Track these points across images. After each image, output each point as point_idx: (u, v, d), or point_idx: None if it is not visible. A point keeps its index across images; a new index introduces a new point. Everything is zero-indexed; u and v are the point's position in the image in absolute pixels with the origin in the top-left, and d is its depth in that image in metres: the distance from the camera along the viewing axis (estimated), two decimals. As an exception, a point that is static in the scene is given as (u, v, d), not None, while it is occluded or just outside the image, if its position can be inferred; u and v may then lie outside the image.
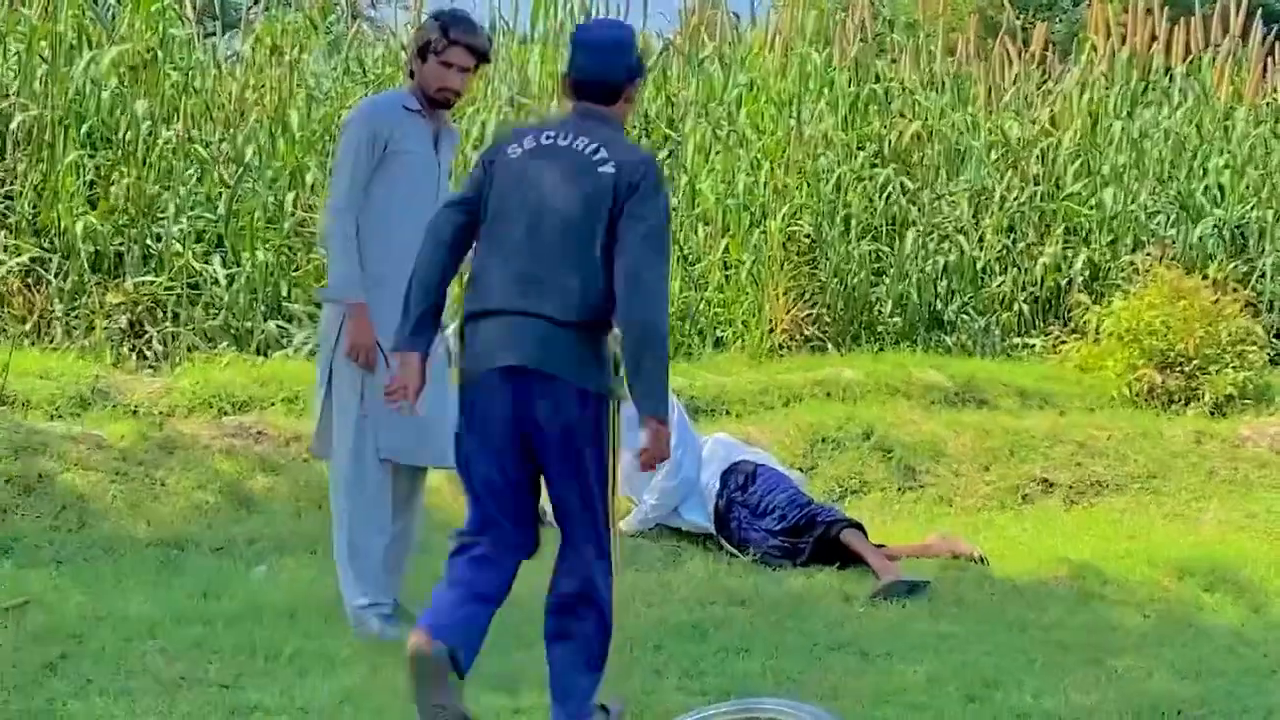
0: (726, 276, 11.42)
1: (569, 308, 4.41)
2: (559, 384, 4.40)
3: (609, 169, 4.45)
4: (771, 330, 11.04)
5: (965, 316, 11.99)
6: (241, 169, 10.36)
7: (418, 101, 5.65)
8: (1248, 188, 12.98)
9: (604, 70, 4.66)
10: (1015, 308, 12.08)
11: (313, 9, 11.75)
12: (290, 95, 10.93)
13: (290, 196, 10.45)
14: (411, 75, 5.69)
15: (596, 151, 4.50)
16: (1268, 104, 13.88)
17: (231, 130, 10.72)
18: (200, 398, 8.26)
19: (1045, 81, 14.17)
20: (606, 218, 4.42)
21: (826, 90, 12.73)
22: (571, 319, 4.42)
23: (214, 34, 12.35)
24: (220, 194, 10.34)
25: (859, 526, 7.11)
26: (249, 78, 11.18)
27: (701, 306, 11.16)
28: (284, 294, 10.02)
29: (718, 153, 12.02)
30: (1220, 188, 13.05)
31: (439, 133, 5.74)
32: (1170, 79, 14.04)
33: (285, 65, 11.00)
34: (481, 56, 5.71)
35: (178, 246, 9.84)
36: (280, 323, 9.69)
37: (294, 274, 10.10)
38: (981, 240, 12.33)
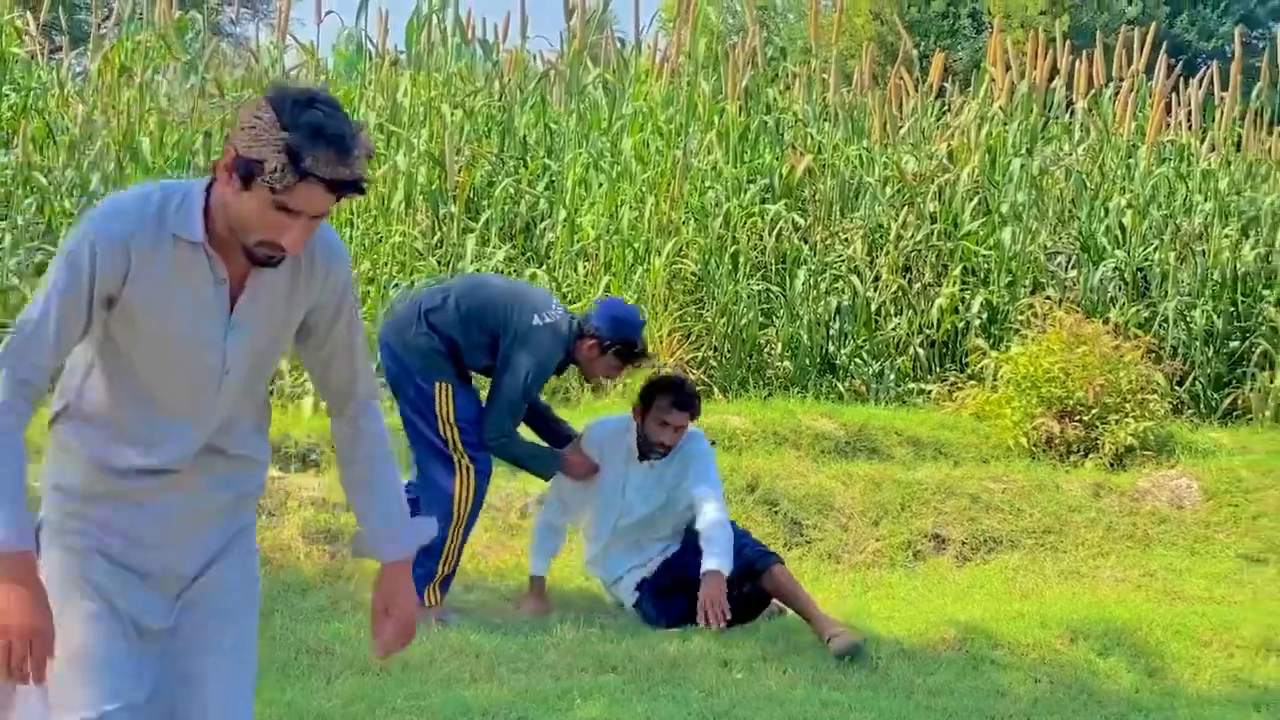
0: (608, 317, 11.42)
1: None
2: None
3: None
4: (654, 371, 11.06)
5: (858, 361, 12.09)
6: (87, 198, 10.24)
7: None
8: (1150, 229, 13.22)
9: None
10: (910, 352, 12.20)
11: (166, 27, 11.64)
12: (141, 119, 10.83)
13: (138, 227, 10.33)
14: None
15: None
16: (1171, 142, 14.16)
17: (76, 156, 10.60)
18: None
19: (944, 114, 14.37)
20: None
21: (715, 120, 12.81)
22: None
23: (59, 51, 12.21)
24: (63, 225, 10.21)
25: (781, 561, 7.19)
26: (97, 99, 11.06)
27: (581, 348, 11.16)
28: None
29: (600, 185, 12.06)
30: (1122, 228, 13.28)
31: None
32: (1072, 114, 14.29)
33: (136, 87, 10.89)
34: (351, 188, 3.23)
35: (14, 280, 9.70)
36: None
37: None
38: (876, 280, 12.44)
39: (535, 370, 6.83)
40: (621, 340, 6.92)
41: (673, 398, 7.02)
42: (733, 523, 7.13)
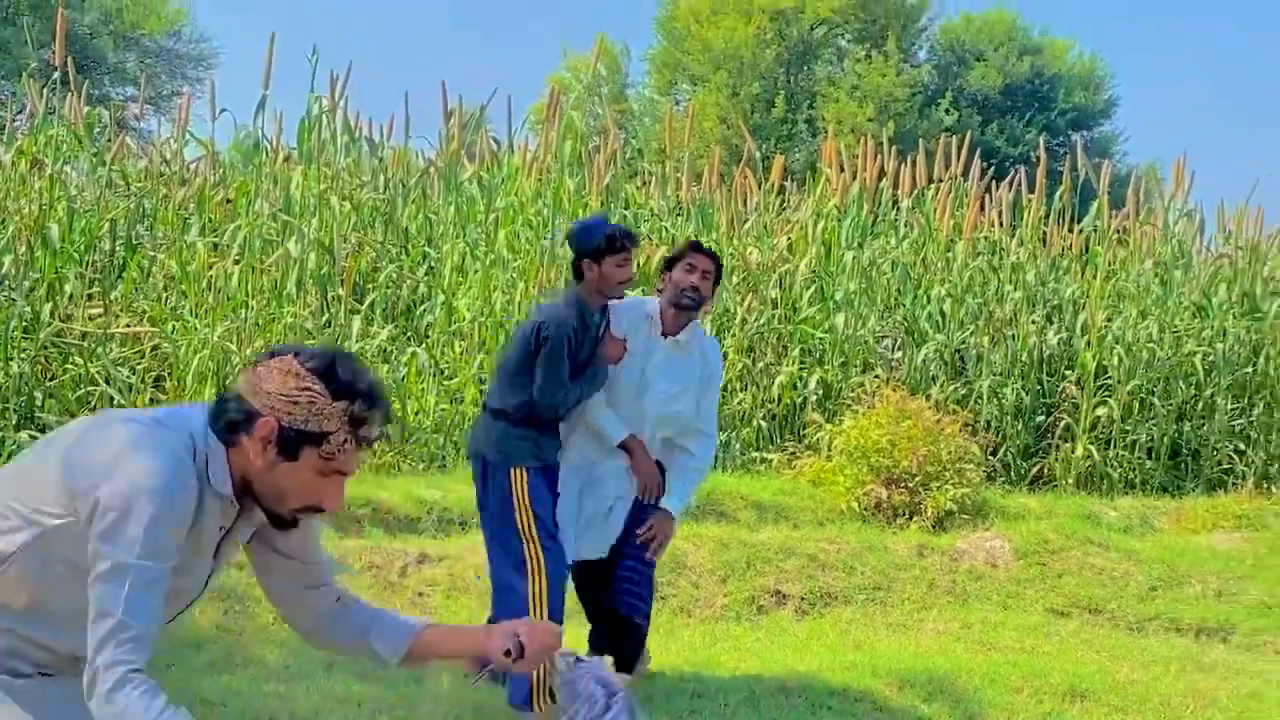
0: (481, 390, 11.40)
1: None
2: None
3: None
4: (523, 443, 11.03)
5: (707, 432, 12.13)
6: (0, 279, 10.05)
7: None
8: (966, 315, 13.47)
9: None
10: (754, 424, 12.29)
11: (76, 122, 11.49)
12: (51, 206, 10.66)
13: (48, 307, 10.16)
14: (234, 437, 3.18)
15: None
16: (984, 237, 14.47)
17: (-11, 241, 10.40)
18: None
19: (784, 210, 14.56)
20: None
21: (580, 214, 12.86)
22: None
23: (-26, 142, 11.99)
24: (-26, 305, 10.01)
25: None
26: (9, 188, 10.87)
27: (457, 420, 11.12)
28: (38, 404, 9.70)
29: (476, 271, 12.04)
30: (942, 314, 13.52)
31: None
32: (897, 211, 14.56)
33: (46, 177, 10.73)
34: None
35: (-72, 356, 9.48)
36: (34, 433, 9.37)
37: (49, 384, 9.80)
38: (724, 359, 12.52)
39: (558, 339, 6.09)
40: (601, 237, 6.16)
41: (692, 246, 6.52)
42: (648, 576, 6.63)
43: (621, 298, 6.34)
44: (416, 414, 11.00)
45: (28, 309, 10.12)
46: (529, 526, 6.17)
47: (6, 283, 10.07)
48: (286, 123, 12.60)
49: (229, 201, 12.22)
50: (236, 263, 11.12)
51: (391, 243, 12.48)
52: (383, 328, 11.52)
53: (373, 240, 12.37)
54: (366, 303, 11.71)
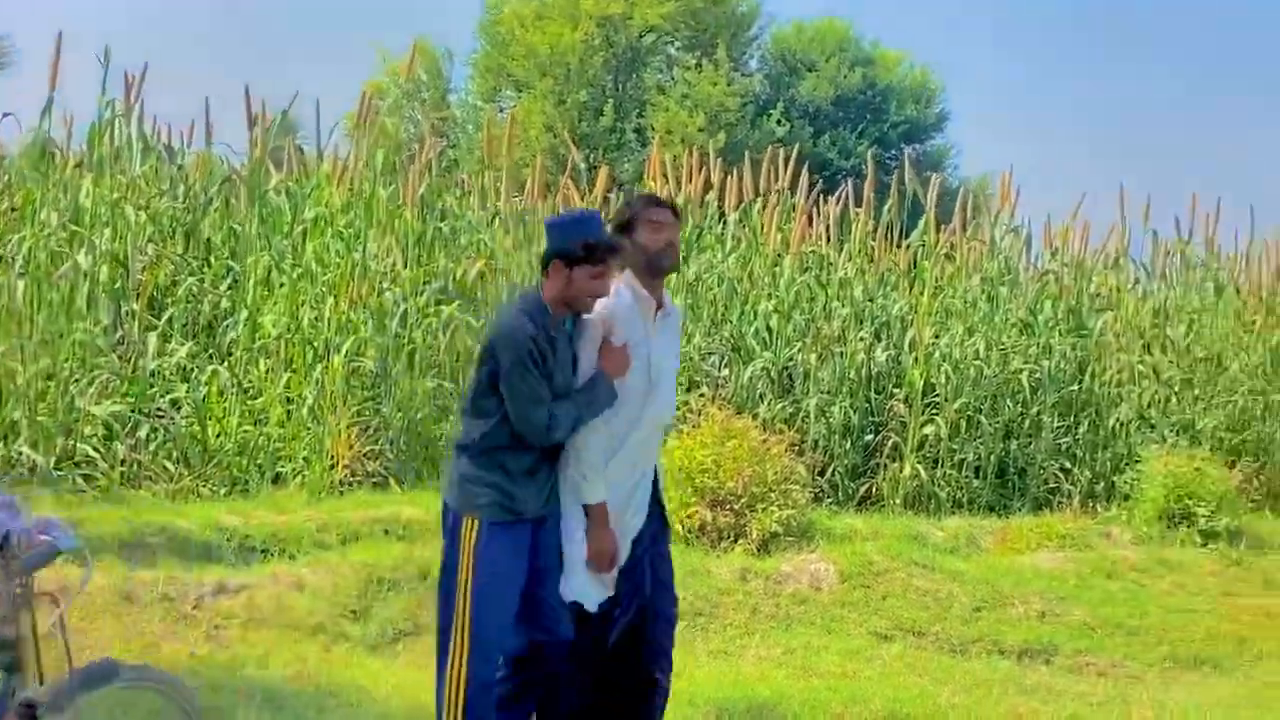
0: (288, 411, 11.22)
1: None
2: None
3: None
4: (333, 466, 10.90)
5: (528, 453, 12.07)
6: None
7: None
8: (794, 331, 13.59)
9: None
10: (575, 445, 12.24)
11: None
12: None
13: None
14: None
15: None
16: (812, 252, 14.62)
17: None
18: None
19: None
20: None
21: (394, 226, 12.74)
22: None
23: None
24: None
25: None
26: None
27: (261, 442, 10.92)
28: None
29: (282, 285, 11.85)
30: (769, 331, 13.62)
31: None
32: (724, 224, 14.64)
33: None
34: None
35: None
36: None
37: None
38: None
39: (514, 354, 5.31)
40: (577, 242, 5.42)
41: (642, 203, 5.75)
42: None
43: (589, 311, 5.49)
44: (218, 436, 10.79)
45: None
46: (465, 595, 5.33)
47: None
48: (77, 127, 12.27)
49: (14, 210, 11.85)
50: (21, 276, 10.80)
51: (192, 255, 12.24)
52: (182, 345, 11.29)
53: (171, 252, 12.11)
54: (164, 318, 11.47)
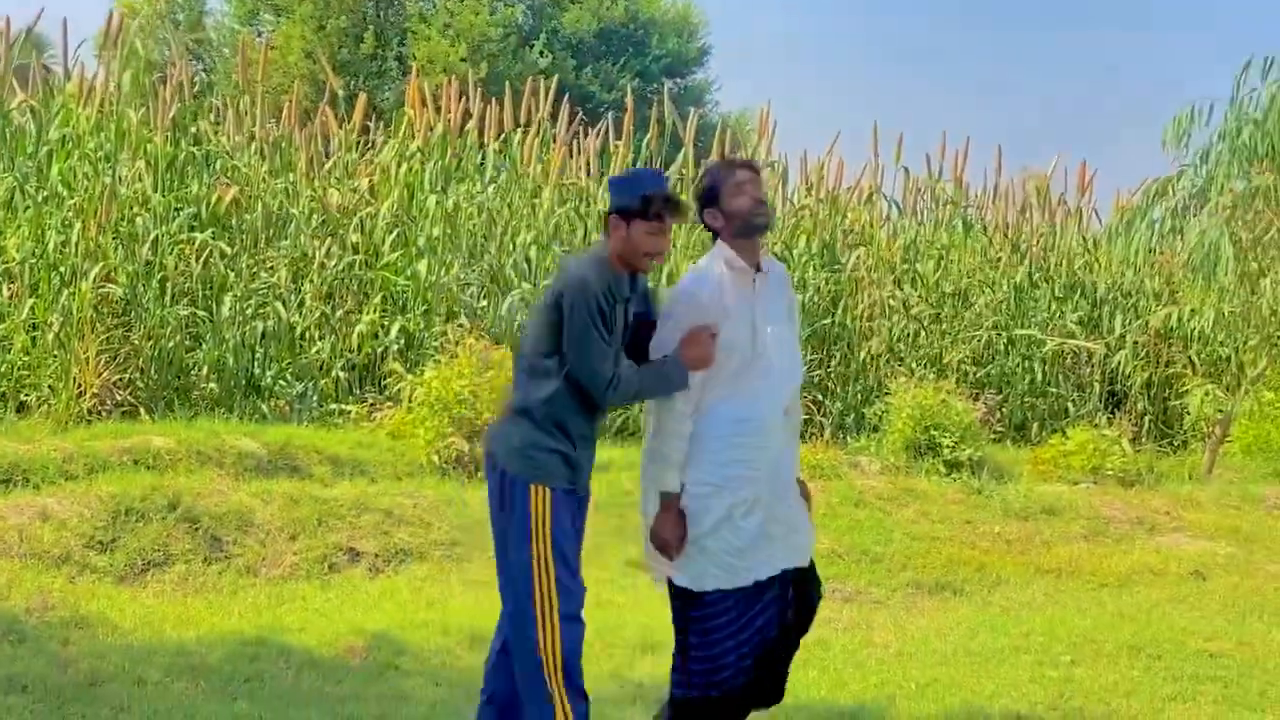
0: (33, 339, 10.92)
1: None
2: None
3: None
4: (80, 395, 10.64)
5: (283, 383, 11.98)
6: None
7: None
8: (553, 263, 13.65)
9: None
10: (333, 374, 12.18)
11: None
12: None
13: None
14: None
15: None
16: (572, 184, 14.67)
17: None
18: None
19: (367, 152, 14.42)
20: None
21: (145, 150, 12.43)
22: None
23: None
24: None
25: None
26: None
27: (4, 369, 10.61)
28: None
29: (26, 208, 11.49)
30: (528, 261, 13.65)
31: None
32: (484, 155, 14.60)
33: None
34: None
35: None
36: None
37: None
38: (301, 306, 12.38)
39: (583, 301, 5.13)
40: (637, 196, 5.26)
41: (719, 168, 5.44)
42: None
43: (646, 271, 5.33)
44: (-43, 363, 10.45)
45: None
46: (544, 557, 5.17)
47: None
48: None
49: None
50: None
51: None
52: (-87, 271, 10.88)
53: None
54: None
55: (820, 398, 14.11)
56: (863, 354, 14.51)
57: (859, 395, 14.25)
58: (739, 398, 5.22)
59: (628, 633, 7.55)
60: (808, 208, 15.54)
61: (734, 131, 18.08)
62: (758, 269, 5.30)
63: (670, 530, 5.20)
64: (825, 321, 14.53)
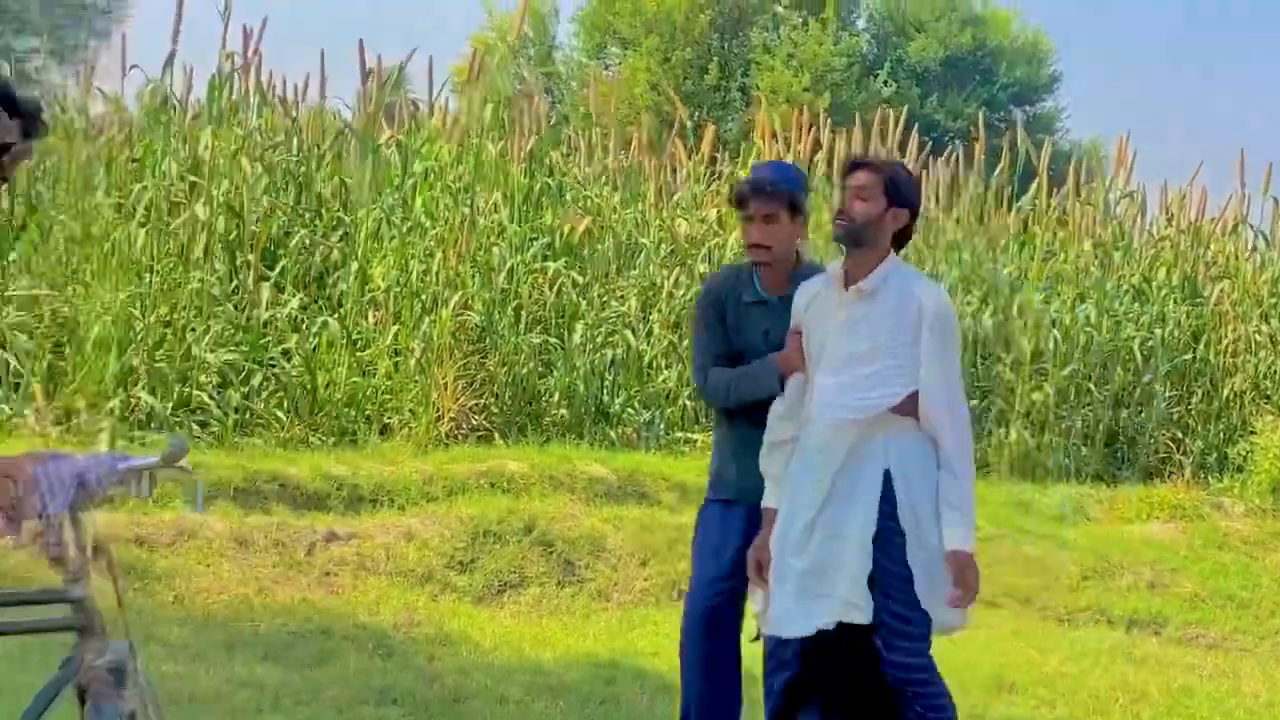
0: (395, 364, 11.39)
1: None
2: None
3: None
4: (439, 419, 11.05)
5: (631, 410, 12.20)
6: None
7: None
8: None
9: None
10: (680, 403, 12.36)
11: (-28, 73, 11.35)
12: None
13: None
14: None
15: None
16: (920, 214, 14.53)
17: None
18: None
19: (714, 182, 14.60)
20: None
21: (502, 181, 12.86)
22: None
23: None
24: None
25: None
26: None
27: (369, 393, 11.09)
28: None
29: (391, 239, 12.01)
30: (874, 293, 13.57)
31: None
32: (831, 185, 14.60)
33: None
34: None
35: None
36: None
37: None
38: (649, 335, 12.60)
39: (697, 302, 5.41)
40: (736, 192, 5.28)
41: (841, 169, 5.09)
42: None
43: (759, 267, 5.18)
44: (327, 386, 10.97)
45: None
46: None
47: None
48: (197, 78, 12.49)
49: (135, 161, 12.09)
50: (142, 225, 11.03)
51: (304, 208, 12.41)
52: (293, 296, 11.47)
53: (285, 205, 12.30)
54: (277, 269, 11.65)
55: (1180, 435, 13.66)
56: (1226, 391, 13.99)
57: (1221, 434, 13.73)
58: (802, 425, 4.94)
59: (983, 671, 7.45)
60: (1168, 239, 15.09)
61: (1087, 160, 17.67)
62: (850, 283, 4.83)
63: (759, 550, 4.98)
64: (1186, 357, 14.06)
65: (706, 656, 5.28)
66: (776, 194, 5.09)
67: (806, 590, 4.79)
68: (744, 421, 5.12)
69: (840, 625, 4.75)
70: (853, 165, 4.95)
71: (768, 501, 4.96)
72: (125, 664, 3.46)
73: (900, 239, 4.94)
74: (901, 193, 4.86)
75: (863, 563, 4.72)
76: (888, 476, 4.76)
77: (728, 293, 5.20)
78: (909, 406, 4.78)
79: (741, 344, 5.15)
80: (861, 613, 4.71)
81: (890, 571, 4.72)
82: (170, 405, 10.19)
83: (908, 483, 4.76)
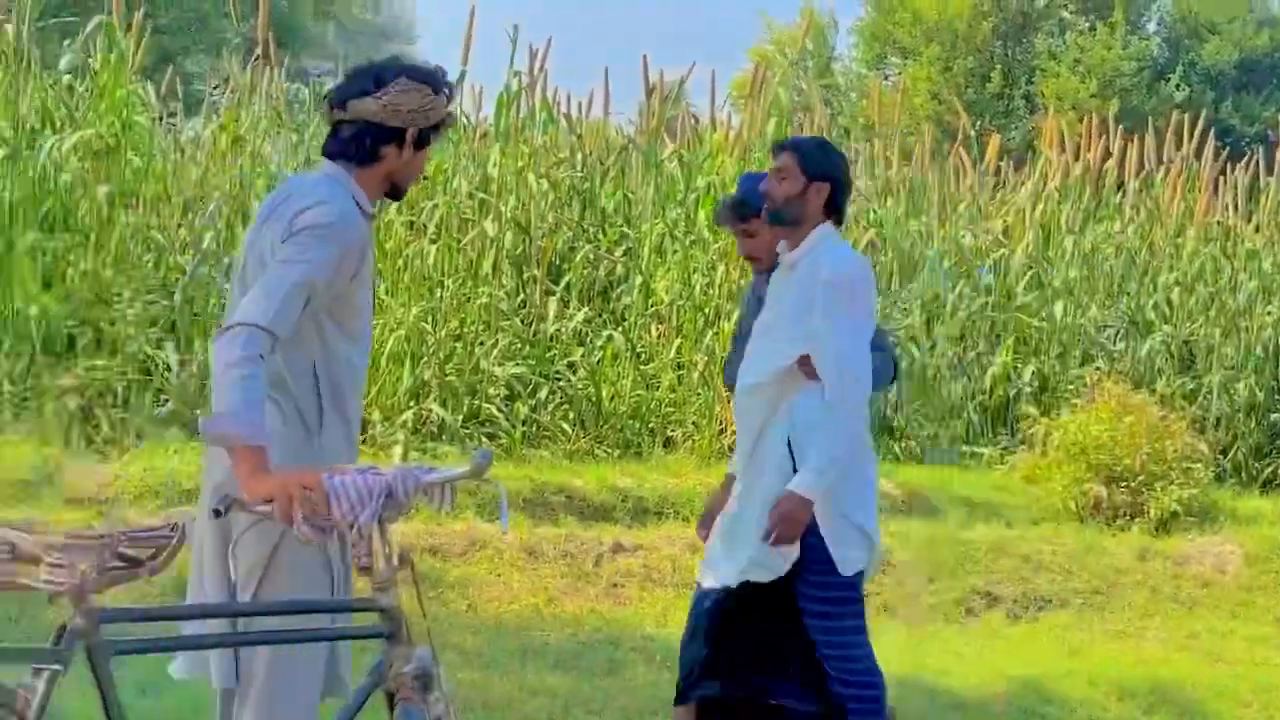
0: (679, 376, 11.47)
1: None
2: None
3: None
4: (722, 431, 11.09)
5: (914, 424, 12.08)
6: (199, 255, 10.40)
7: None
8: (1196, 304, 13.17)
9: None
10: (964, 416, 12.19)
11: (277, 100, 11.83)
12: (251, 183, 10.99)
13: (245, 285, 10.49)
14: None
15: None
16: (1218, 222, 14.10)
17: (190, 216, 10.77)
18: (147, 485, 8.26)
19: (998, 191, 14.38)
20: None
21: (784, 194, 12.85)
22: None
23: (175, 115, 12.40)
24: (176, 280, 10.38)
25: None
26: (209, 164, 11.24)
27: (653, 406, 11.20)
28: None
29: (675, 252, 12.12)
30: (1169, 304, 13.24)
31: None
32: (1123, 194, 14.26)
33: (247, 154, 11.07)
34: None
35: (130, 331, 9.86)
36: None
37: (245, 362, 10.10)
38: (932, 348, 12.45)
39: (749, 308, 5.58)
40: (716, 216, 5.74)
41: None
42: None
43: (758, 271, 5.46)
44: (611, 399, 11.12)
45: (226, 286, 10.46)
46: None
47: (207, 260, 10.42)
48: (485, 97, 12.81)
49: (426, 179, 12.45)
50: (433, 241, 11.35)
51: (589, 222, 12.61)
52: (579, 310, 11.65)
53: (570, 219, 12.51)
54: (562, 283, 11.86)
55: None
56: None
57: None
58: None
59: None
60: None
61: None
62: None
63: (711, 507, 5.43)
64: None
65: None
66: (750, 211, 5.32)
67: (726, 548, 5.06)
68: None
69: (757, 587, 4.94)
70: (774, 148, 5.23)
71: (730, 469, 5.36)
72: (430, 670, 3.56)
73: (831, 211, 5.07)
74: (819, 167, 5.02)
75: (762, 525, 4.85)
76: (789, 444, 4.92)
77: (748, 296, 5.62)
78: (813, 370, 4.93)
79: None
80: (766, 571, 4.90)
81: (802, 539, 4.86)
82: (460, 418, 10.45)
83: (804, 449, 4.87)
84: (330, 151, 4.00)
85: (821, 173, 5.01)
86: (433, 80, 3.99)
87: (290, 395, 3.85)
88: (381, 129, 3.93)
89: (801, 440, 4.88)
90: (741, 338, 5.43)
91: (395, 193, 4.11)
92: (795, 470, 4.86)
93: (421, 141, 4.01)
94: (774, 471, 4.91)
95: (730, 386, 5.45)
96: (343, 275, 3.83)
